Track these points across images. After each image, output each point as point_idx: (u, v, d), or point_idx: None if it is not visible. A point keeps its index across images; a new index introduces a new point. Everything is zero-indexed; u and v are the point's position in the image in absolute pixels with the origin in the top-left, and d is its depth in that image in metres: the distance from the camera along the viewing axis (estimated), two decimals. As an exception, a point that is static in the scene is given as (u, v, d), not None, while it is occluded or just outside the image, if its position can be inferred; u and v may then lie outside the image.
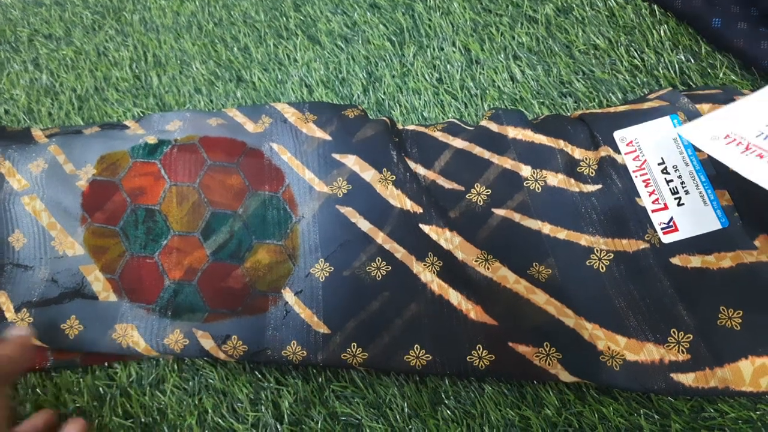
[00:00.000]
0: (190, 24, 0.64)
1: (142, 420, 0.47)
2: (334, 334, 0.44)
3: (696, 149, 0.45)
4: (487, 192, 0.47)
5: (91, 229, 0.48)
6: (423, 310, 0.44)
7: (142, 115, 0.58)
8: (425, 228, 0.46)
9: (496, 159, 0.48)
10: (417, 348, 0.43)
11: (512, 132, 0.48)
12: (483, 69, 0.56)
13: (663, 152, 0.46)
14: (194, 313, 0.45)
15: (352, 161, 0.49)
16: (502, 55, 0.57)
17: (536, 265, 0.44)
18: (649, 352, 0.41)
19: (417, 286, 0.45)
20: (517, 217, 0.46)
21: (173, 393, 0.48)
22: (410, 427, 0.45)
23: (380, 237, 0.46)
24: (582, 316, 0.42)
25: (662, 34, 0.55)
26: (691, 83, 0.53)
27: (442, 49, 0.58)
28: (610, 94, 0.53)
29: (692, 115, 0.46)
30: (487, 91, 0.55)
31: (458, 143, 0.49)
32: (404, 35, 0.59)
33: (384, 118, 0.51)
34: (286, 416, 0.46)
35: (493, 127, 0.49)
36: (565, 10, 0.58)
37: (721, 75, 0.53)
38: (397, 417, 0.45)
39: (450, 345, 0.43)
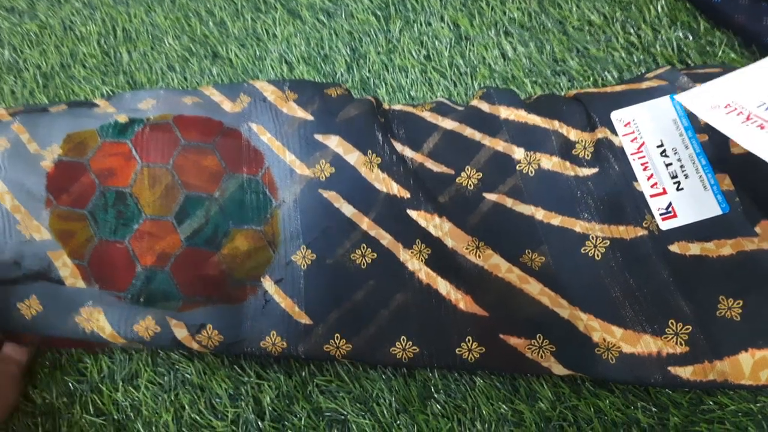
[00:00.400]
0: (163, -4, 0.60)
1: (115, 417, 0.45)
2: (317, 325, 0.42)
3: (696, 131, 0.43)
4: (478, 176, 0.44)
5: (57, 213, 0.45)
6: (410, 300, 0.42)
7: (112, 93, 0.54)
8: (413, 214, 0.44)
9: (487, 141, 0.45)
10: (403, 340, 0.41)
11: (504, 112, 0.46)
12: (473, 46, 0.53)
13: (662, 134, 0.44)
14: (168, 302, 0.43)
15: (335, 142, 0.46)
16: (493, 31, 0.54)
17: (529, 253, 0.42)
18: (646, 344, 0.40)
19: (404, 274, 0.43)
20: (509, 202, 0.44)
21: (147, 388, 0.45)
22: (398, 422, 0.43)
23: (365, 223, 0.44)
24: (577, 306, 0.41)
25: (659, 9, 0.53)
26: (689, 61, 0.51)
27: (430, 24, 0.55)
28: (606, 73, 0.51)
29: None
30: (478, 69, 0.52)
31: (447, 124, 0.46)
32: (390, 9, 0.56)
33: (369, 98, 0.48)
34: (267, 412, 0.44)
35: (485, 107, 0.46)
36: (558, -16, 0.56)
37: (720, 53, 0.50)
38: (385, 412, 0.43)
39: (438, 337, 0.41)
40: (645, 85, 0.46)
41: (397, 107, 0.48)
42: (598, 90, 0.47)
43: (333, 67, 0.54)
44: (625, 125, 0.44)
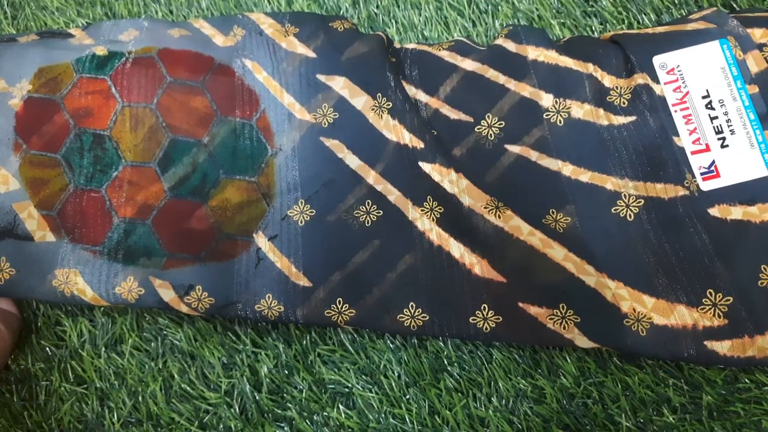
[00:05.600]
0: None
1: (97, 386, 0.41)
2: (317, 288, 0.39)
3: (746, 81, 0.39)
4: (500, 125, 0.40)
5: (28, 158, 0.40)
6: (419, 262, 0.39)
7: (88, 24, 0.49)
8: (426, 167, 0.40)
9: (512, 85, 0.41)
10: (412, 306, 0.38)
11: (533, 53, 0.41)
12: (494, -19, 0.48)
13: (709, 83, 0.39)
14: (150, 258, 0.39)
15: (340, 84, 0.41)
16: (516, -35, 0.48)
17: (554, 213, 0.39)
18: (681, 316, 0.36)
19: (413, 234, 0.39)
20: (534, 155, 0.40)
21: (133, 355, 0.42)
22: (408, 396, 0.40)
23: (371, 176, 0.40)
24: (604, 272, 0.37)
25: (703, -56, 0.47)
26: (734, 5, 0.46)
27: (446, -45, 0.49)
28: (642, 15, 0.46)
29: (743, 41, 0.40)
30: (500, 7, 0.47)
31: (468, 65, 0.41)
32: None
33: (379, 33, 0.43)
34: (264, 384, 0.40)
35: (511, 46, 0.41)
36: None
37: (769, -5, 0.45)
38: (393, 385, 0.40)
39: (450, 304, 0.38)
40: (690, 27, 0.41)
41: (411, 46, 0.43)
42: (638, 31, 0.42)
43: (337, 1, 0.48)
44: (668, 72, 0.40)
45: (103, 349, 0.42)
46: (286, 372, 0.41)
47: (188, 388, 0.40)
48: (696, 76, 0.39)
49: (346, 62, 0.42)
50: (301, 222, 0.40)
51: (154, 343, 0.42)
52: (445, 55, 0.42)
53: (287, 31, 0.43)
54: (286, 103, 0.41)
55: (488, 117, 0.40)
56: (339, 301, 0.38)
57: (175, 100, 0.41)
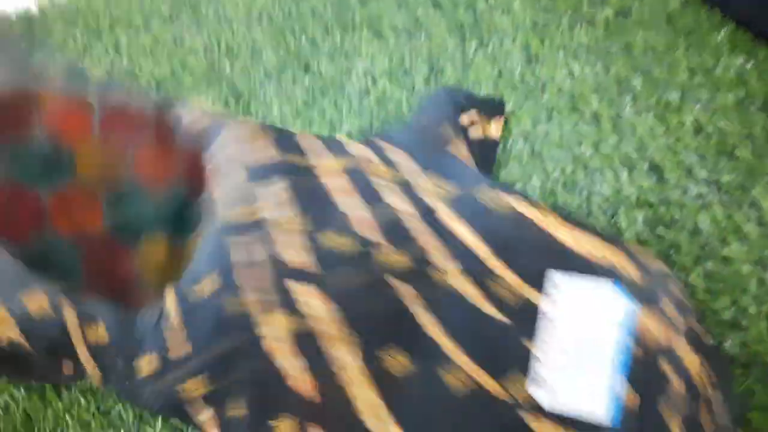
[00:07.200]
0: (261, 16, 0.67)
1: None
2: (191, 358, 0.39)
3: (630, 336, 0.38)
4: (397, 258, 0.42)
5: None
6: (256, 364, 0.39)
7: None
8: (293, 285, 0.41)
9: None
10: (239, 401, 0.39)
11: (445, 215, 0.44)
12: (542, 65, 0.58)
13: (588, 315, 0.39)
14: (66, 280, 0.38)
15: (282, 186, 0.44)
16: (561, 53, 0.59)
17: (393, 352, 0.39)
18: None
19: (256, 336, 0.40)
20: (410, 297, 0.41)
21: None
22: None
23: (236, 271, 0.41)
24: (401, 424, 0.37)
25: (721, 37, 0.56)
26: (747, 87, 0.54)
27: (502, 45, 0.60)
28: (668, 94, 0.55)
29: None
30: (546, 86, 0.57)
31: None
32: (465, 31, 0.62)
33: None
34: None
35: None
36: (624, 13, 0.60)
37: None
38: None
39: (265, 408, 0.39)
40: (617, 260, 0.41)
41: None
42: (590, 243, 0.42)
43: (413, 80, 0.59)
44: (555, 289, 0.41)
45: None
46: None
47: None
48: (578, 304, 0.39)
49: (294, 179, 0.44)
50: (207, 294, 0.40)
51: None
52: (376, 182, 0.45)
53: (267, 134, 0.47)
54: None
55: (386, 246, 0.42)
56: (201, 377, 0.38)
57: (151, 150, 0.43)
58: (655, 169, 0.51)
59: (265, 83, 0.62)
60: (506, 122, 0.55)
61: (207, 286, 0.40)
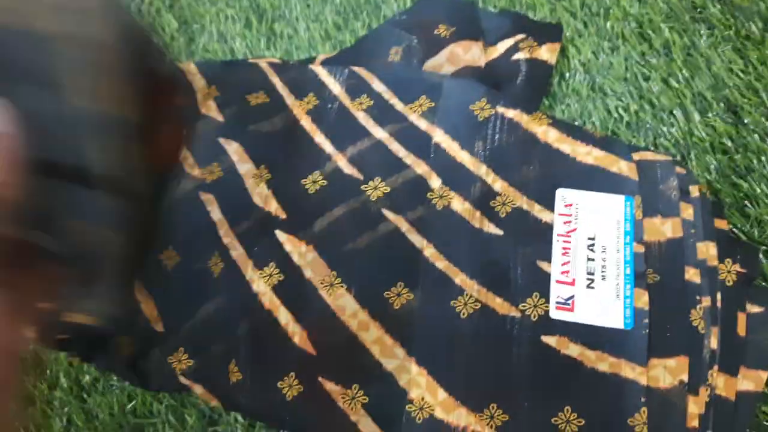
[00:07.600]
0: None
1: None
2: (167, 336, 0.42)
3: (635, 239, 0.41)
4: (385, 189, 0.44)
5: None
6: (249, 323, 0.41)
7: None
8: (282, 236, 0.43)
9: (410, 160, 0.45)
10: (233, 363, 0.40)
11: (440, 137, 0.45)
12: (606, -14, 0.52)
13: (599, 229, 0.42)
14: None
15: (233, 148, 0.47)
16: (628, -27, 0.52)
17: (400, 286, 0.41)
18: (459, 416, 0.38)
19: (249, 293, 0.42)
20: (404, 227, 0.43)
21: None
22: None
23: (224, 230, 0.44)
24: (414, 356, 0.39)
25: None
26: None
27: (561, -37, 0.53)
28: (750, 23, 0.48)
29: (655, 204, 0.42)
30: (611, 11, 0.50)
31: (378, 133, 0.46)
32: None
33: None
34: None
35: (422, 124, 0.46)
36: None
37: None
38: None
39: (264, 367, 0.40)
40: (616, 168, 0.43)
41: (335, 104, 0.48)
42: (573, 153, 0.44)
43: (459, 1, 0.53)
44: (566, 206, 0.43)
45: None
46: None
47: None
48: (590, 218, 0.42)
49: (246, 133, 0.47)
50: (169, 266, 0.43)
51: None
52: (361, 117, 0.47)
53: (209, 93, 0.49)
54: (188, 164, 0.47)
55: (377, 179, 0.44)
56: (181, 350, 0.41)
57: None
58: (732, 109, 0.46)
59: (292, 0, 0.56)
60: (563, 50, 0.49)
61: (178, 249, 0.43)
